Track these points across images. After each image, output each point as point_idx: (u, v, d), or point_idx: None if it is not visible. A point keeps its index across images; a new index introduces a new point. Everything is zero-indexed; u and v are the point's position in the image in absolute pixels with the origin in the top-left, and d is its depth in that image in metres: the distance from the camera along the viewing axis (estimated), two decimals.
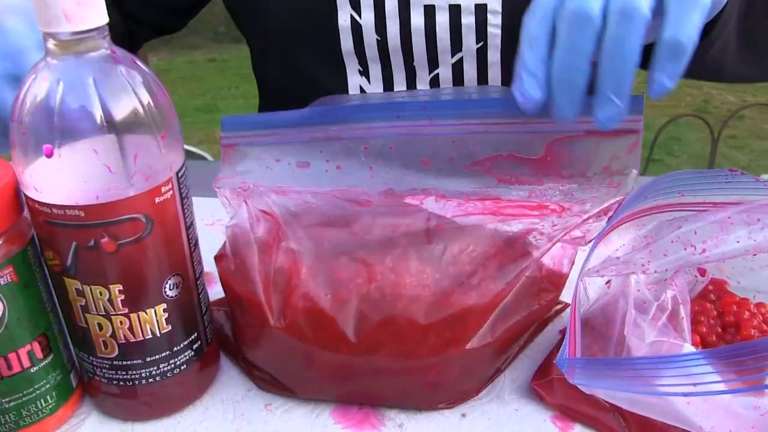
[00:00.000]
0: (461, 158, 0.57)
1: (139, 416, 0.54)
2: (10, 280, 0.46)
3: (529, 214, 0.56)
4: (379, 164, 0.58)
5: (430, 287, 0.50)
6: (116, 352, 0.50)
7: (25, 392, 0.50)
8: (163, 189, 0.46)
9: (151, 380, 0.51)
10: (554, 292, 0.54)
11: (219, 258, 0.55)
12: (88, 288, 0.47)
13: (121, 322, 0.48)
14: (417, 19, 0.74)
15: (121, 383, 0.51)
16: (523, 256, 0.53)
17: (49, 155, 0.42)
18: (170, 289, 0.49)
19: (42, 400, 0.52)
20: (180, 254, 0.49)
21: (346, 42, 0.77)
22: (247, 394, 0.56)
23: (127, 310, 0.48)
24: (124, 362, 0.50)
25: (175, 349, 0.51)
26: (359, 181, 0.58)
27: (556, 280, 0.54)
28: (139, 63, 0.45)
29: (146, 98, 0.44)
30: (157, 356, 0.51)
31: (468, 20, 0.74)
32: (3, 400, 0.50)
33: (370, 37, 0.76)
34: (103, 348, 0.49)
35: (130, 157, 0.44)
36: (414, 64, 0.77)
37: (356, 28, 0.75)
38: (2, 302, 0.46)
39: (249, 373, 0.57)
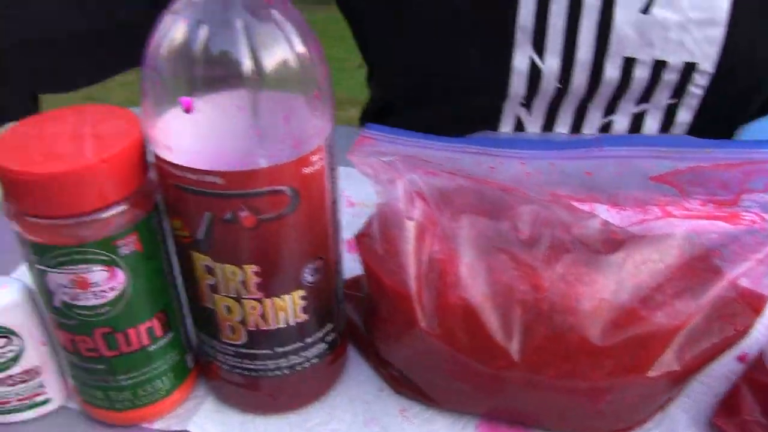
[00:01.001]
0: (631, 174, 0.48)
1: (260, 409, 0.48)
2: (134, 249, 0.41)
3: (721, 225, 0.47)
4: (537, 173, 0.50)
5: (608, 301, 0.42)
6: (243, 340, 0.44)
7: (142, 370, 0.45)
8: (313, 158, 0.39)
9: (278, 372, 0.45)
10: (752, 316, 0.45)
11: (361, 237, 0.48)
12: (220, 266, 0.41)
13: (253, 307, 0.42)
14: (612, 72, 0.64)
15: (245, 372, 0.45)
16: (716, 272, 0.44)
17: (188, 110, 0.36)
18: (310, 275, 0.42)
19: (158, 381, 0.47)
20: (323, 235, 0.42)
21: (518, 86, 0.65)
22: (379, 394, 0.50)
23: (261, 295, 0.42)
24: (251, 351, 0.44)
25: (307, 340, 0.45)
26: (515, 183, 0.50)
27: (755, 302, 0.45)
28: (291, 6, 0.38)
29: (301, 49, 0.37)
30: (288, 347, 0.44)
31: (669, 77, 0.64)
32: (120, 377, 0.45)
33: (549, 84, 0.65)
34: (229, 333, 0.44)
35: (280, 118, 0.37)
36: (588, 104, 0.67)
37: (534, 74, 0.64)
38: (125, 273, 0.41)
39: (381, 371, 0.51)
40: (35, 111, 0.61)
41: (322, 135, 0.39)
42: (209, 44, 0.36)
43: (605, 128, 0.68)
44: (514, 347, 0.43)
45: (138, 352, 0.44)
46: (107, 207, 0.39)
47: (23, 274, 0.48)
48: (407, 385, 0.49)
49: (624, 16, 0.61)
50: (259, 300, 0.42)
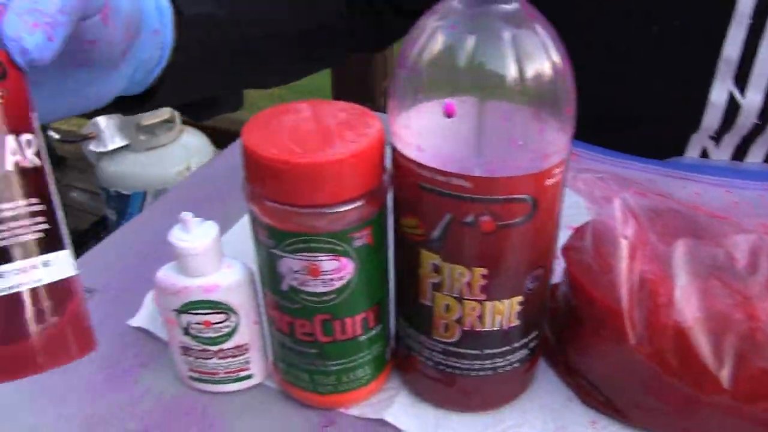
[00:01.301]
0: None
1: (452, 405, 0.49)
2: (365, 242, 0.42)
3: None
4: (745, 204, 0.49)
5: None
6: (455, 338, 0.45)
7: (350, 358, 0.47)
8: (555, 171, 0.39)
9: (480, 373, 0.46)
10: None
11: (568, 250, 0.49)
12: (448, 266, 0.42)
13: (472, 308, 0.43)
14: None
15: (447, 370, 0.46)
16: None
17: (451, 114, 0.37)
18: (531, 282, 0.43)
19: (361, 370, 0.48)
20: (549, 245, 0.43)
21: (712, 119, 0.62)
22: (569, 404, 0.50)
23: (483, 297, 0.42)
24: (460, 350, 0.45)
25: (515, 345, 0.46)
26: (722, 211, 0.49)
27: None
28: (547, 22, 0.39)
29: (559, 65, 0.37)
30: (496, 350, 0.45)
31: None
32: (329, 363, 0.47)
33: (746, 120, 0.61)
34: (442, 331, 0.45)
35: (535, 130, 0.38)
36: None
37: (732, 108, 0.61)
38: (354, 264, 0.42)
39: (570, 381, 0.51)
40: (241, 105, 0.63)
41: (566, 149, 0.40)
42: (476, 53, 0.37)
43: None
44: (724, 374, 0.43)
45: (350, 341, 0.46)
46: (350, 200, 0.40)
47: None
48: (598, 397, 0.49)
49: None
50: (480, 302, 0.43)
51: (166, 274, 0.47)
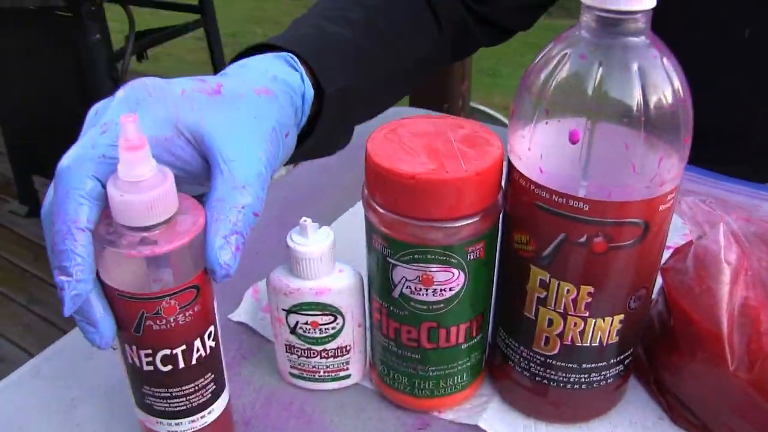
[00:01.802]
0: None
1: (543, 416, 0.51)
2: (477, 256, 0.44)
3: None
4: None
5: None
6: (555, 351, 0.46)
7: (449, 365, 0.49)
8: (669, 197, 0.41)
9: (575, 386, 0.48)
10: None
11: (668, 270, 0.50)
12: (557, 283, 0.43)
13: (575, 324, 0.44)
14: None
15: (542, 381, 0.48)
16: None
17: (575, 141, 0.39)
18: (634, 301, 0.44)
19: (459, 376, 0.50)
20: (654, 265, 0.44)
21: None
22: (659, 422, 0.51)
23: (587, 314, 0.44)
24: (558, 362, 0.47)
25: (611, 361, 0.47)
26: None
27: None
28: (672, 56, 0.40)
29: (681, 95, 0.39)
30: (593, 365, 0.47)
31: None
32: (430, 368, 0.49)
33: None
34: (542, 344, 0.46)
35: (654, 158, 0.39)
36: None
37: None
38: (466, 276, 0.44)
39: (660, 399, 0.52)
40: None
41: (680, 176, 0.41)
42: (603, 82, 0.38)
43: None
44: None
45: (453, 348, 0.48)
46: (468, 216, 0.42)
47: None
48: (689, 418, 0.50)
49: None
50: (583, 318, 0.44)
51: (279, 274, 0.49)
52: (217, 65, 2.34)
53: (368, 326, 0.52)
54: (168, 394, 0.43)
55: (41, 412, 0.53)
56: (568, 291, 0.43)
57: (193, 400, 0.44)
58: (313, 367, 0.52)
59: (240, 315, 0.61)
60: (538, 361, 0.47)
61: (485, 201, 0.42)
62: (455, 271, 0.44)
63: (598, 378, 0.47)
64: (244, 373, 0.56)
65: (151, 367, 0.41)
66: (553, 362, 0.47)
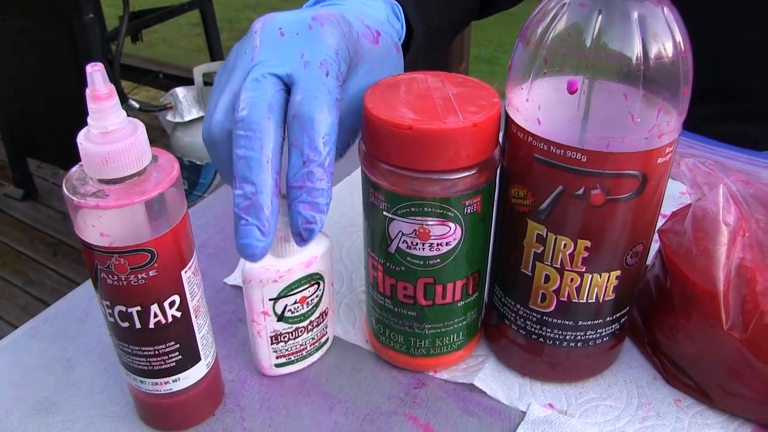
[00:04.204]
0: None
1: (537, 375, 0.51)
2: (474, 210, 0.44)
3: None
4: None
5: None
6: (552, 308, 0.46)
7: (446, 323, 0.49)
8: (668, 150, 0.41)
9: (571, 344, 0.48)
10: None
11: (665, 232, 0.50)
12: (553, 237, 0.43)
13: (572, 280, 0.44)
14: None
15: (539, 339, 0.49)
16: None
17: (573, 91, 0.38)
18: (631, 257, 0.44)
19: (455, 335, 0.50)
20: (651, 221, 0.44)
21: None
22: (653, 382, 0.51)
23: (584, 269, 0.44)
24: (555, 320, 0.47)
25: (607, 318, 0.47)
26: None
27: None
28: (673, 5, 0.40)
29: (681, 46, 0.39)
30: (589, 322, 0.47)
31: None
32: (425, 326, 0.49)
33: None
34: (539, 300, 0.46)
35: (653, 109, 0.39)
36: None
37: None
38: (462, 230, 0.44)
39: (655, 361, 0.52)
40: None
41: (678, 129, 0.41)
42: (603, 32, 0.38)
43: None
44: None
45: (448, 306, 0.48)
46: (465, 168, 0.42)
47: None
48: (682, 379, 0.50)
49: None
50: (580, 274, 0.44)
51: (262, 264, 0.46)
52: (214, 49, 2.33)
53: (364, 287, 0.52)
54: (129, 350, 0.43)
55: (38, 372, 0.53)
56: (565, 245, 0.43)
57: (155, 363, 0.44)
58: (301, 345, 0.51)
59: (236, 278, 0.61)
60: (534, 319, 0.47)
61: (482, 154, 0.42)
62: (452, 224, 0.44)
63: (594, 336, 0.48)
64: (240, 335, 0.56)
65: (112, 319, 0.42)
66: (550, 320, 0.47)
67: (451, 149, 0.41)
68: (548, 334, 0.48)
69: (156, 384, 0.45)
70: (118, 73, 1.88)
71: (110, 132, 0.37)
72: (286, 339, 0.50)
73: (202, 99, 1.79)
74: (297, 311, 0.49)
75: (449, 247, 0.45)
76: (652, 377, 0.52)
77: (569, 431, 0.47)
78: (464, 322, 0.49)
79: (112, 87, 0.37)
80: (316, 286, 0.49)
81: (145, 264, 0.40)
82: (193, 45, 3.79)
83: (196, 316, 0.44)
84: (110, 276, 0.40)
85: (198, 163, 1.81)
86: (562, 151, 0.40)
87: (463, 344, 0.51)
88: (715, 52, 0.66)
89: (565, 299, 0.45)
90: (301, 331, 0.50)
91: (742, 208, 0.48)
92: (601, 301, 0.46)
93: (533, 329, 0.48)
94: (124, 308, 0.41)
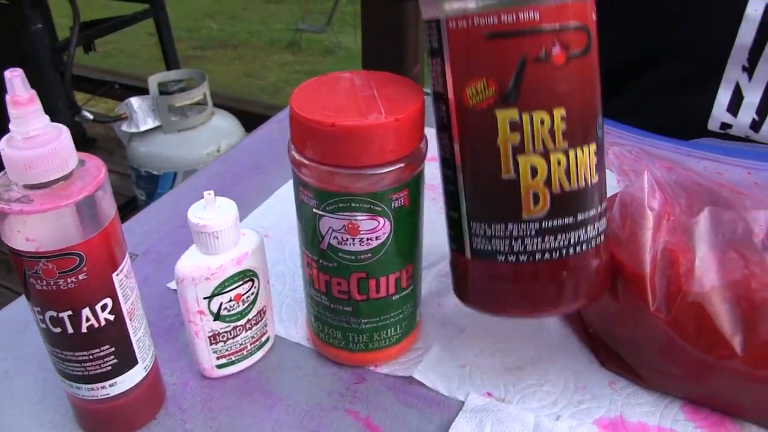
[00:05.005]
0: None
1: (537, 305, 0.45)
2: (402, 204, 0.45)
3: None
4: (766, 185, 0.51)
5: None
6: (547, 208, 0.41)
7: (382, 317, 0.50)
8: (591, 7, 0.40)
9: (572, 250, 0.43)
10: None
11: None
12: (528, 116, 0.39)
13: (559, 162, 0.40)
14: None
15: (540, 256, 0.43)
16: None
17: None
18: (598, 129, 0.42)
19: (392, 329, 0.51)
20: (598, 86, 0.42)
21: (746, 35, 0.64)
22: (589, 366, 0.53)
23: (566, 145, 0.40)
24: (554, 221, 0.42)
25: (599, 208, 0.44)
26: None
27: None
28: None
29: None
30: (585, 213, 0.43)
31: None
32: (362, 321, 0.49)
33: None
34: (532, 205, 0.41)
35: None
36: None
37: (766, 23, 0.62)
38: (391, 224, 0.45)
39: (591, 345, 0.54)
40: None
41: None
42: None
43: None
44: (737, 340, 0.45)
45: (383, 300, 0.49)
46: (391, 162, 0.43)
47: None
48: (617, 362, 0.51)
49: None
50: (565, 152, 0.40)
51: (191, 262, 0.47)
52: (170, 59, 2.32)
53: (302, 284, 0.52)
54: (63, 356, 0.43)
55: None
56: (542, 122, 0.39)
57: (90, 368, 0.44)
58: (240, 344, 0.52)
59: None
60: (532, 232, 0.42)
61: (406, 148, 0.43)
62: (381, 219, 0.44)
63: (593, 233, 0.43)
64: (182, 338, 0.57)
65: (44, 325, 0.42)
66: (549, 225, 0.42)
67: (374, 145, 0.42)
68: (550, 245, 0.42)
69: (92, 389, 0.45)
70: (69, 84, 1.86)
71: (33, 137, 0.37)
72: (224, 339, 0.50)
73: (157, 108, 1.79)
74: (233, 309, 0.49)
75: (379, 242, 0.45)
76: (589, 361, 0.53)
77: (506, 418, 0.48)
78: (401, 316, 0.50)
79: (33, 92, 0.37)
80: (250, 283, 0.49)
81: (74, 268, 0.40)
82: (151, 54, 3.76)
83: (130, 319, 0.44)
84: (39, 281, 0.40)
85: (155, 173, 1.80)
86: (513, 16, 0.38)
87: (401, 338, 0.51)
88: (664, 10, 0.67)
89: (558, 191, 0.41)
90: (239, 329, 0.50)
91: (667, 194, 0.49)
92: (589, 184, 0.42)
93: (531, 248, 0.42)
94: (54, 313, 0.41)
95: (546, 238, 0.42)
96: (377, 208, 0.44)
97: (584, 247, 0.43)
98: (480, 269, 0.45)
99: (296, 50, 3.87)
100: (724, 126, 0.68)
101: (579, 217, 0.42)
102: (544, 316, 0.48)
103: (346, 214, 0.44)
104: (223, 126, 1.89)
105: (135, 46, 3.82)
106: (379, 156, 0.42)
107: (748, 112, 0.64)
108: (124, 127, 1.80)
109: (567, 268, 0.43)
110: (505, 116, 0.40)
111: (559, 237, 0.42)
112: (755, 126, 0.65)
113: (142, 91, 1.84)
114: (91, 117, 1.96)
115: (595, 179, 0.42)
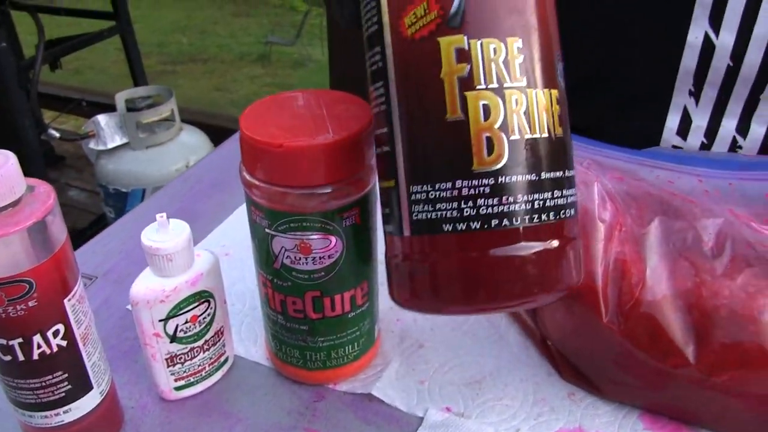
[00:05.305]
0: None
1: (479, 301, 0.37)
2: (353, 222, 0.45)
3: None
4: (715, 192, 0.52)
5: None
6: (504, 159, 0.34)
7: (339, 335, 0.50)
8: None
9: (537, 217, 0.36)
10: None
11: None
12: (478, 44, 0.34)
13: (516, 101, 0.34)
14: None
15: (498, 222, 0.35)
16: None
17: None
18: (561, 76, 0.37)
19: (349, 346, 0.51)
20: (555, 23, 0.37)
21: (689, 62, 0.64)
22: (548, 378, 0.53)
23: (524, 82, 0.34)
24: (513, 177, 0.35)
25: (567, 173, 0.37)
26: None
27: None
28: None
29: None
30: (552, 173, 0.36)
31: None
32: (319, 339, 0.49)
33: (720, 62, 0.63)
34: (485, 153, 0.34)
35: None
36: (760, 97, 0.64)
37: (707, 49, 0.63)
38: (343, 243, 0.45)
39: (549, 356, 0.54)
40: None
41: None
42: None
43: None
44: (690, 349, 0.45)
45: (339, 317, 0.49)
46: (340, 181, 0.43)
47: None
48: (575, 373, 0.52)
49: None
50: (522, 90, 0.34)
51: (145, 285, 0.47)
52: (137, 75, 2.31)
53: (259, 304, 0.52)
54: (15, 384, 0.43)
55: None
56: (495, 51, 0.34)
57: (42, 396, 0.44)
58: (199, 366, 0.51)
59: None
60: (486, 190, 0.35)
61: (355, 166, 0.43)
62: (332, 238, 0.44)
63: (561, 200, 0.37)
64: (142, 360, 0.56)
65: None
66: (506, 180, 0.35)
67: (322, 164, 0.42)
68: (508, 208, 0.35)
69: (46, 417, 0.44)
70: (36, 102, 1.85)
71: None
72: (182, 360, 0.50)
73: (124, 125, 1.78)
74: (190, 331, 0.49)
75: (332, 260, 0.45)
76: (548, 373, 0.53)
77: None
78: (358, 333, 0.50)
79: None
80: (206, 304, 0.49)
81: (24, 294, 0.40)
82: (120, 70, 3.73)
83: (84, 344, 0.44)
84: None
85: (123, 190, 1.79)
86: None
87: (359, 355, 0.51)
88: (611, 35, 0.67)
89: (517, 135, 0.34)
90: (196, 351, 0.50)
91: (618, 204, 0.49)
92: (553, 136, 0.36)
93: (487, 208, 0.35)
94: (4, 341, 0.41)
95: (504, 199, 0.34)
96: (329, 226, 0.44)
97: (551, 215, 0.36)
98: (422, 249, 0.37)
99: (266, 63, 3.87)
100: (675, 149, 0.68)
101: (543, 175, 0.35)
102: (503, 308, 0.40)
103: (297, 233, 0.44)
104: (191, 141, 1.88)
105: (105, 62, 3.79)
106: (328, 175, 0.42)
107: (697, 135, 0.65)
108: (92, 145, 1.79)
109: (530, 239, 0.35)
110: (450, 43, 0.34)
111: (519, 198, 0.35)
112: (704, 149, 0.67)
113: (111, 107, 1.83)
114: (57, 135, 1.94)
115: (560, 132, 0.36)
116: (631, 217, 0.49)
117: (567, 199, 0.37)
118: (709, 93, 0.66)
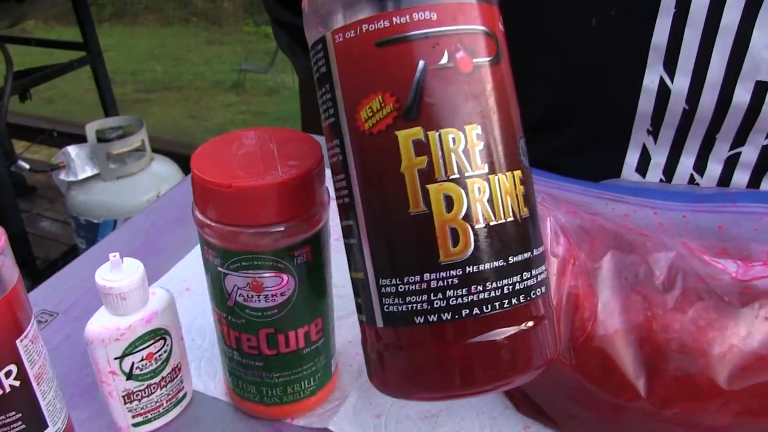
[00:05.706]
0: (766, 231, 0.50)
1: (452, 388, 0.36)
2: (305, 260, 0.45)
3: None
4: (670, 224, 0.52)
5: (737, 347, 0.45)
6: (470, 249, 0.34)
7: (294, 371, 0.50)
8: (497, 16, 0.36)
9: (508, 301, 0.35)
10: None
11: None
12: (436, 135, 0.33)
13: (479, 190, 0.34)
14: (742, 95, 0.61)
15: (463, 312, 0.34)
16: None
17: None
18: (523, 155, 0.36)
19: (305, 381, 0.51)
20: (515, 102, 0.36)
21: (646, 105, 0.65)
22: (505, 411, 0.53)
23: (486, 168, 0.34)
24: (480, 266, 0.34)
25: (535, 251, 0.36)
26: (649, 231, 0.53)
27: None
28: None
29: None
30: (519, 255, 0.35)
31: None
32: (274, 375, 0.50)
33: (676, 105, 0.64)
34: (451, 243, 0.34)
35: None
36: (716, 136, 0.65)
37: (663, 93, 0.64)
38: (295, 281, 0.45)
39: (506, 390, 0.54)
40: None
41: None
42: None
43: (732, 160, 0.65)
44: (641, 382, 0.46)
45: (294, 353, 0.49)
46: (290, 220, 0.43)
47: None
48: (531, 406, 0.52)
49: (762, 38, 0.58)
50: (484, 177, 0.34)
51: (100, 323, 0.47)
52: (108, 105, 2.30)
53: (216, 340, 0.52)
54: None
55: None
56: (454, 141, 0.33)
57: None
58: (156, 402, 0.51)
59: None
60: (454, 281, 0.34)
61: (306, 205, 0.44)
62: (284, 276, 0.45)
63: (531, 281, 0.36)
64: (100, 396, 0.56)
65: None
66: (473, 269, 0.34)
67: (271, 203, 0.42)
68: (478, 297, 0.34)
69: None
70: (5, 133, 1.84)
71: None
72: (139, 397, 0.50)
73: (95, 156, 1.77)
74: (146, 368, 0.49)
75: (284, 298, 0.46)
76: (504, 407, 0.53)
77: None
78: (313, 368, 0.50)
79: None
80: (162, 341, 0.49)
81: None
82: (93, 99, 3.71)
83: (38, 384, 0.44)
84: None
85: (95, 221, 1.78)
86: (407, 17, 0.33)
87: (316, 389, 0.52)
88: (569, 75, 0.68)
89: (482, 224, 0.34)
90: (153, 387, 0.50)
91: (571, 238, 0.50)
92: (519, 218, 0.35)
93: (457, 299, 0.34)
94: None
95: (473, 288, 0.34)
96: (280, 264, 0.44)
97: (521, 298, 0.35)
98: (396, 340, 0.36)
99: (240, 91, 3.88)
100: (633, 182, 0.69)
101: (511, 260, 0.35)
102: (481, 393, 0.37)
103: (249, 272, 0.44)
104: (162, 171, 1.88)
105: (77, 90, 3.78)
106: (278, 214, 0.43)
107: (655, 172, 0.66)
108: (62, 176, 1.78)
109: (502, 324, 0.35)
110: (407, 137, 0.33)
111: (489, 286, 0.34)
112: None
113: (82, 138, 1.83)
114: (27, 167, 1.93)
115: (525, 213, 0.35)
116: (584, 251, 0.50)
117: (537, 279, 0.36)
118: (667, 132, 0.67)
